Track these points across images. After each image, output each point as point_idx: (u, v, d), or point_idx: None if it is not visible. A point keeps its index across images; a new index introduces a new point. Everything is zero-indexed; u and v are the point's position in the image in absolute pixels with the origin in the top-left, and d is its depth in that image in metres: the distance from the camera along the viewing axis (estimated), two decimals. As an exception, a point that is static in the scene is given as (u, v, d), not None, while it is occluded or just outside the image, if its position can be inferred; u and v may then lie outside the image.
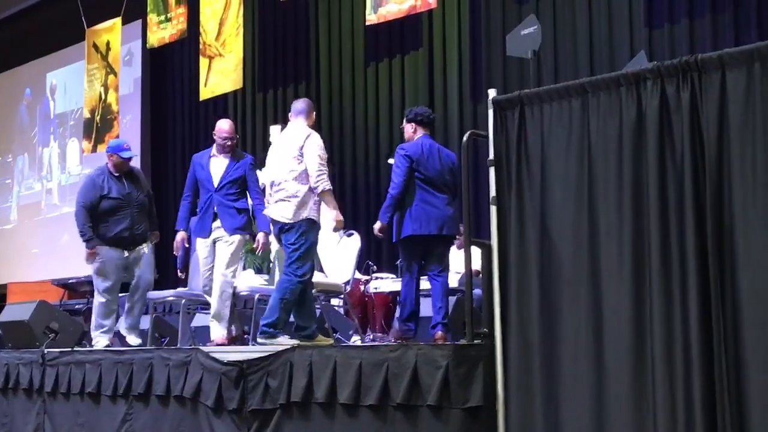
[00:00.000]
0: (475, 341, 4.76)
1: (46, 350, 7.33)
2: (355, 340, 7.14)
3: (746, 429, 3.78)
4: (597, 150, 4.31)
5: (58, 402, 7.11)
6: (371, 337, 7.28)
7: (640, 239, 4.13)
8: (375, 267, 9.04)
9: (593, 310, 4.24)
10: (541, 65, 9.77)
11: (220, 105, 13.31)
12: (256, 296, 6.88)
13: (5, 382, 7.70)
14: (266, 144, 11.22)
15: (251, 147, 13.10)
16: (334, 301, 7.72)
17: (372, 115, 11.75)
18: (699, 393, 3.87)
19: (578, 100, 4.39)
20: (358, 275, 7.90)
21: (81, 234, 7.20)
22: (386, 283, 8.02)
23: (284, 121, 11.81)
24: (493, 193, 4.67)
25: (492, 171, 4.69)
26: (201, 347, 6.22)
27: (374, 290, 7.88)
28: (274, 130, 10.63)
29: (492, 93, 4.76)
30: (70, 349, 7.24)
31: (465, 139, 5.00)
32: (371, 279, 8.29)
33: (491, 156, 4.69)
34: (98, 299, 7.27)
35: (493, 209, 4.67)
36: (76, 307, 11.60)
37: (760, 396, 3.75)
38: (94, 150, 13.79)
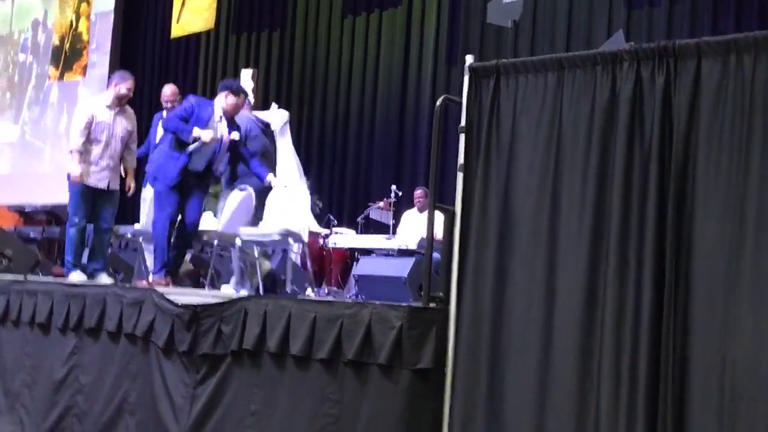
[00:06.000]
0: (431, 305, 4.79)
1: (-2, 276, 7.28)
2: (310, 293, 7.16)
3: (686, 405, 3.85)
4: (567, 126, 4.32)
5: (7, 329, 7.04)
6: (326, 291, 7.31)
7: (600, 218, 4.16)
8: (336, 221, 9.04)
9: (547, 285, 4.26)
10: (518, 36, 9.76)
11: (192, 44, 13.13)
12: (215, 241, 6.87)
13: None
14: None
15: (221, 89, 12.95)
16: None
17: (345, 67, 11.68)
18: (644, 371, 3.91)
19: (554, 75, 4.38)
20: (318, 229, 7.90)
21: None
22: (345, 238, 8.02)
23: (256, 66, 11.83)
24: (461, 160, 4.68)
25: (462, 138, 4.69)
26: (157, 288, 6.22)
27: (333, 245, 7.88)
28: (245, 74, 10.53)
29: (469, 59, 4.73)
30: (22, 278, 7.18)
31: (438, 104, 4.98)
32: (330, 233, 8.29)
33: (463, 123, 4.69)
34: None
35: (460, 176, 4.67)
36: (32, 235, 11.52)
37: (704, 374, 3.81)
38: (60, 78, 13.58)
